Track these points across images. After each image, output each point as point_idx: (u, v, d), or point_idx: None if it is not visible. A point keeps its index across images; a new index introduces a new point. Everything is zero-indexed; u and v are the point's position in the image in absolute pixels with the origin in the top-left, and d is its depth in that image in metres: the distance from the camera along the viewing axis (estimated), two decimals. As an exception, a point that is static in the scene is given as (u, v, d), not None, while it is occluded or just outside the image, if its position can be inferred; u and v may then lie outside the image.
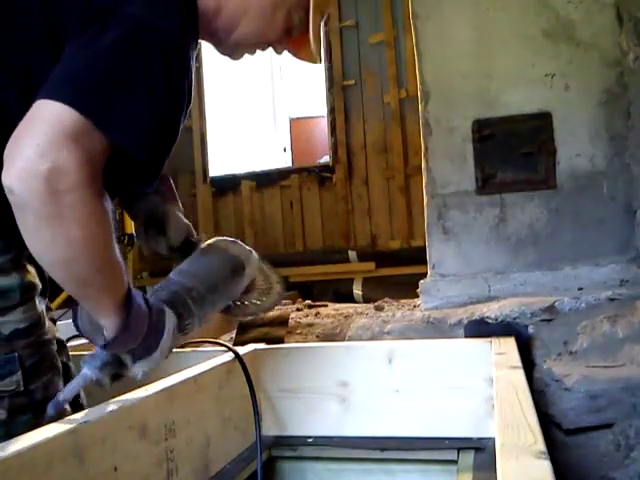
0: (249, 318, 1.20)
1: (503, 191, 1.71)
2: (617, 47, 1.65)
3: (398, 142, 4.43)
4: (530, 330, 1.39)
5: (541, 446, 0.64)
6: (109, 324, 0.81)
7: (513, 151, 1.70)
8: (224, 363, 1.16)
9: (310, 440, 1.27)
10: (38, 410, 0.89)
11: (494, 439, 0.70)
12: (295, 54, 1.07)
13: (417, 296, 1.77)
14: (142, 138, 0.79)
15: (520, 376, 0.96)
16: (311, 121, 6.10)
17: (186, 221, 1.12)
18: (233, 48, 1.00)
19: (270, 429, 1.30)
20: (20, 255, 0.90)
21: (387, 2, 4.42)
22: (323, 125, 5.05)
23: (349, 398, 1.28)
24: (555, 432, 1.22)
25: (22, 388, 0.88)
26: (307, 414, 1.30)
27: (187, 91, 0.85)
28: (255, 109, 6.64)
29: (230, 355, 1.18)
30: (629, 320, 1.33)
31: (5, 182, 0.70)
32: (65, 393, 0.84)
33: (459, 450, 1.14)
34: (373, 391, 1.27)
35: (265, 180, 4.84)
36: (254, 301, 1.15)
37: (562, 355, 1.32)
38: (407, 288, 2.11)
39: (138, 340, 0.83)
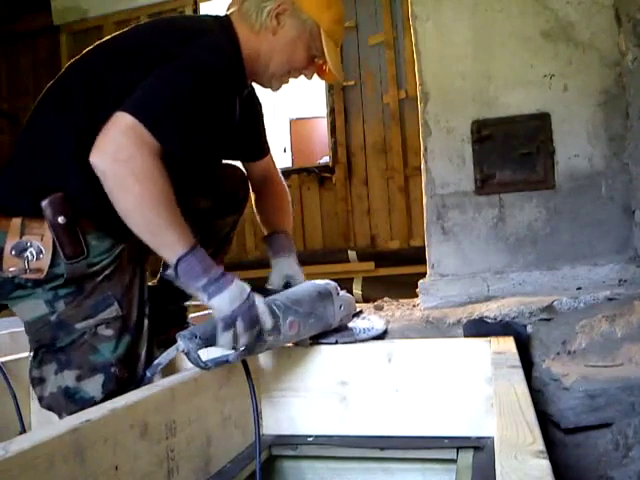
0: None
1: (502, 191, 1.72)
2: (616, 48, 1.65)
3: (397, 143, 4.43)
4: (529, 329, 1.40)
5: (540, 445, 0.64)
6: (171, 256, 1.08)
7: (512, 151, 1.71)
8: (225, 362, 1.16)
9: (310, 439, 1.28)
10: (134, 332, 1.23)
11: (493, 438, 0.71)
12: (321, 76, 1.41)
13: (416, 296, 1.78)
14: (179, 141, 1.12)
15: (519, 375, 0.96)
16: (311, 122, 6.09)
17: (290, 272, 1.44)
18: (272, 80, 1.35)
19: (270, 428, 1.31)
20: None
21: (386, 3, 4.42)
22: (323, 126, 5.04)
23: (349, 397, 1.29)
24: (554, 431, 1.22)
25: (120, 314, 1.21)
26: (307, 413, 1.31)
27: (220, 109, 1.20)
28: (255, 109, 6.63)
29: (231, 354, 1.18)
30: (628, 319, 1.34)
31: (92, 161, 1.05)
32: (160, 360, 1.04)
33: (458, 449, 1.14)
34: (373, 390, 1.28)
35: (265, 180, 4.83)
36: (350, 331, 1.37)
37: (561, 354, 1.32)
38: (406, 288, 2.11)
39: (202, 276, 1.07)
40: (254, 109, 1.50)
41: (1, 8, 5.01)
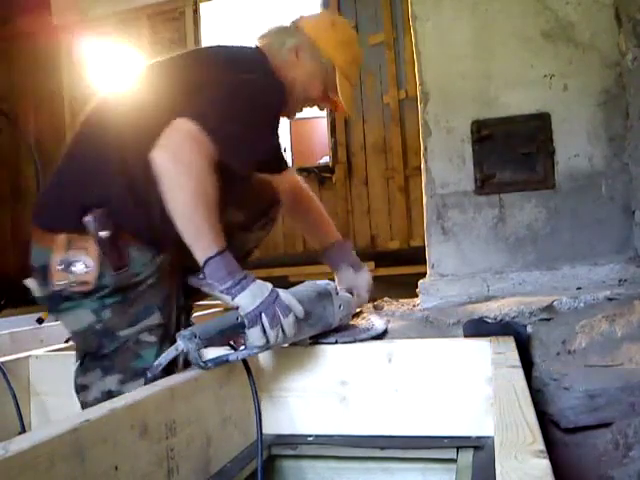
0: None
1: (502, 191, 1.72)
2: (616, 48, 1.65)
3: (397, 143, 4.43)
4: (529, 329, 1.40)
5: (540, 445, 0.64)
6: (202, 255, 1.14)
7: (512, 151, 1.71)
8: (225, 362, 1.16)
9: (310, 439, 1.28)
10: (172, 340, 1.23)
11: (493, 438, 0.71)
12: (334, 110, 1.58)
13: (416, 295, 1.77)
14: (232, 150, 1.20)
15: (519, 375, 0.97)
16: (311, 122, 6.09)
17: (351, 283, 1.63)
18: (292, 109, 1.50)
19: (270, 428, 1.30)
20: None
21: (386, 3, 4.42)
22: (323, 126, 5.05)
23: (349, 397, 1.29)
24: (554, 431, 1.22)
25: (162, 322, 1.27)
26: (307, 413, 1.31)
27: (271, 121, 1.37)
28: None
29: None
30: (627, 319, 1.34)
31: (153, 157, 1.13)
32: (159, 360, 1.06)
33: (458, 449, 1.14)
34: (373, 390, 1.28)
35: (265, 180, 4.83)
36: (350, 331, 1.39)
37: (561, 354, 1.32)
38: (406, 288, 2.11)
39: (227, 278, 1.13)
40: None
41: (1, 8, 5.01)
